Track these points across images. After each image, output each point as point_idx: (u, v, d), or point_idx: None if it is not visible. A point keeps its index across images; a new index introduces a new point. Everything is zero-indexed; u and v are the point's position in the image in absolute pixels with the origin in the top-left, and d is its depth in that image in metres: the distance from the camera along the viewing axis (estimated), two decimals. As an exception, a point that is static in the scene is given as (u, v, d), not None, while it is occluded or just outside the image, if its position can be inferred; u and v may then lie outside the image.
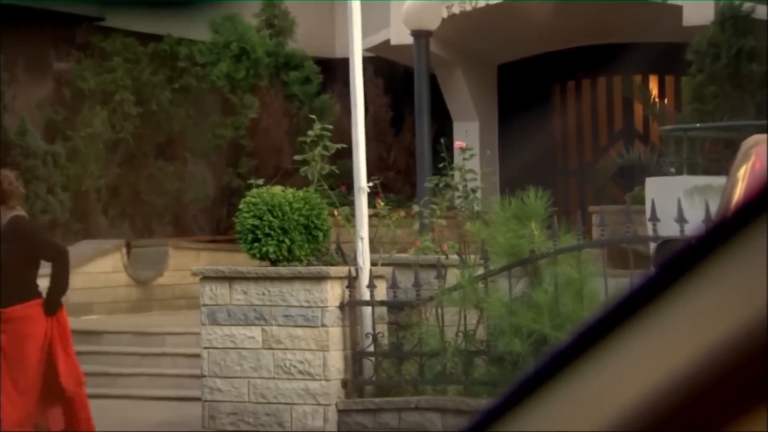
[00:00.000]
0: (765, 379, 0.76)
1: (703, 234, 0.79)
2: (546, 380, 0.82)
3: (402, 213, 9.73)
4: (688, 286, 0.78)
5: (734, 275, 0.77)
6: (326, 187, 9.22)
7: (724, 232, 0.78)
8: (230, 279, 8.74)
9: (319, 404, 8.48)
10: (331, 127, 9.39)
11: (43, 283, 11.99)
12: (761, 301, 0.76)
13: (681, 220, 7.76)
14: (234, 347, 8.72)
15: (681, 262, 0.79)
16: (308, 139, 9.17)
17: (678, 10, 13.84)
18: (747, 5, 13.07)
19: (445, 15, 13.99)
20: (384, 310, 8.65)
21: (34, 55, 14.48)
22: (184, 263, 13.03)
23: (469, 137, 14.11)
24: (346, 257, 8.96)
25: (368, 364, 8.53)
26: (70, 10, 14.41)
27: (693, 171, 11.97)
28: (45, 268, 7.52)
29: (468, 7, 14.97)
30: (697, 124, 12.42)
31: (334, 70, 15.13)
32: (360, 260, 8.59)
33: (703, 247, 0.78)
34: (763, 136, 5.55)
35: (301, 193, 8.93)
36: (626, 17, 14.66)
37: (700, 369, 0.77)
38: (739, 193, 5.06)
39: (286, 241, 8.68)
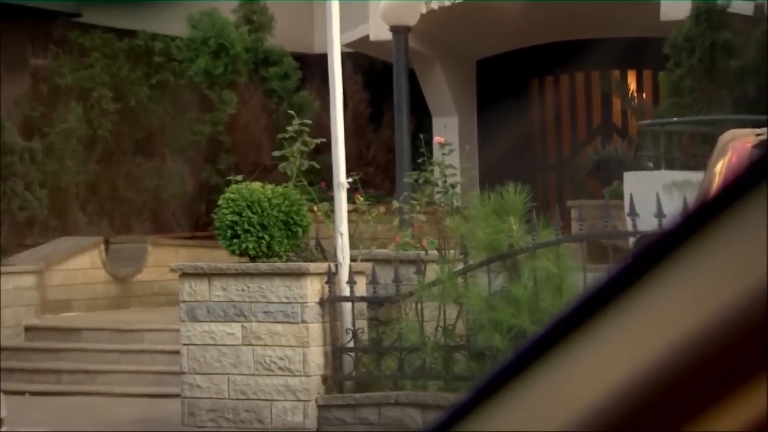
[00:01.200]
0: (741, 366, 0.76)
1: (677, 223, 0.79)
2: (517, 374, 0.82)
3: (381, 209, 9.73)
4: (662, 275, 0.78)
5: (709, 263, 0.77)
6: (305, 182, 9.21)
7: (698, 220, 0.79)
8: (209, 275, 8.72)
9: (299, 400, 8.48)
10: (310, 122, 9.38)
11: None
12: (738, 287, 0.76)
13: (660, 215, 7.79)
14: (213, 344, 8.70)
15: (655, 252, 0.79)
16: (287, 135, 9.15)
17: (655, 5, 13.89)
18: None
19: (423, 10, 13.99)
20: (364, 305, 8.65)
21: (10, 51, 14.40)
22: (163, 260, 12.99)
23: (448, 132, 14.11)
24: (326, 253, 8.96)
25: (348, 360, 8.53)
26: (47, 6, 14.33)
27: (671, 166, 12.01)
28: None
29: (447, 3, 14.97)
30: (675, 119, 12.47)
31: (313, 66, 15.11)
32: (339, 256, 8.59)
33: (678, 235, 0.79)
34: (739, 131, 5.58)
35: (280, 189, 8.92)
36: (604, 12, 14.69)
37: (673, 359, 0.77)
38: (716, 188, 5.08)
39: (266, 237, 8.67)
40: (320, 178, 11.76)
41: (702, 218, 0.78)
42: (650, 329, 0.78)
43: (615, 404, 0.78)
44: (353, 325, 8.49)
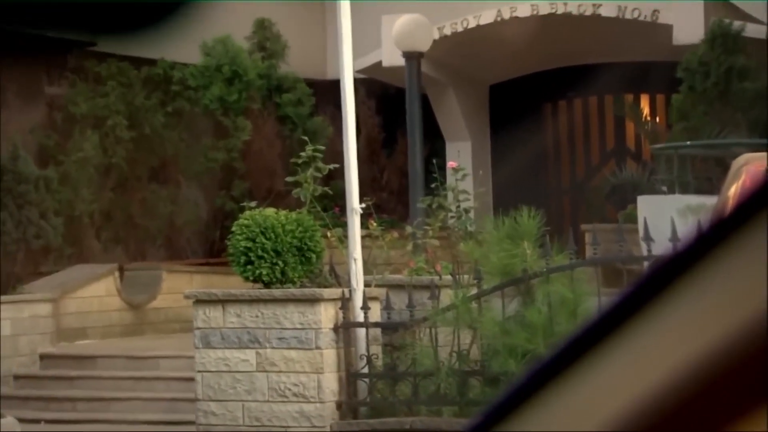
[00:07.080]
0: (754, 386, 0.76)
1: (690, 243, 0.79)
2: (540, 385, 0.82)
3: (395, 234, 9.72)
4: (679, 292, 0.78)
5: (726, 280, 0.77)
6: (319, 208, 9.22)
7: (711, 239, 0.79)
8: (223, 302, 8.72)
9: (314, 426, 8.45)
10: (323, 148, 9.39)
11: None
12: (752, 304, 0.76)
13: (674, 239, 7.77)
14: (228, 370, 8.69)
15: (671, 268, 0.79)
16: (300, 161, 9.17)
17: (668, 29, 13.90)
18: (737, 24, 13.14)
19: (436, 36, 14.03)
20: (378, 331, 8.64)
21: (26, 80, 14.48)
22: (177, 286, 13.00)
23: (461, 157, 14.13)
24: (340, 279, 8.95)
25: (362, 386, 8.51)
26: (62, 36, 14.42)
27: (685, 190, 11.98)
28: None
29: (459, 28, 15.01)
30: (688, 142, 12.45)
31: (327, 92, 15.15)
32: (353, 282, 8.58)
33: (691, 255, 0.79)
34: (753, 155, 5.58)
35: (293, 214, 8.93)
36: (617, 36, 14.71)
37: (691, 373, 0.77)
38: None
39: (280, 263, 8.67)
40: (334, 203, 11.77)
41: (714, 238, 0.78)
42: (667, 344, 0.78)
43: (634, 417, 0.78)
44: (367, 350, 8.47)
